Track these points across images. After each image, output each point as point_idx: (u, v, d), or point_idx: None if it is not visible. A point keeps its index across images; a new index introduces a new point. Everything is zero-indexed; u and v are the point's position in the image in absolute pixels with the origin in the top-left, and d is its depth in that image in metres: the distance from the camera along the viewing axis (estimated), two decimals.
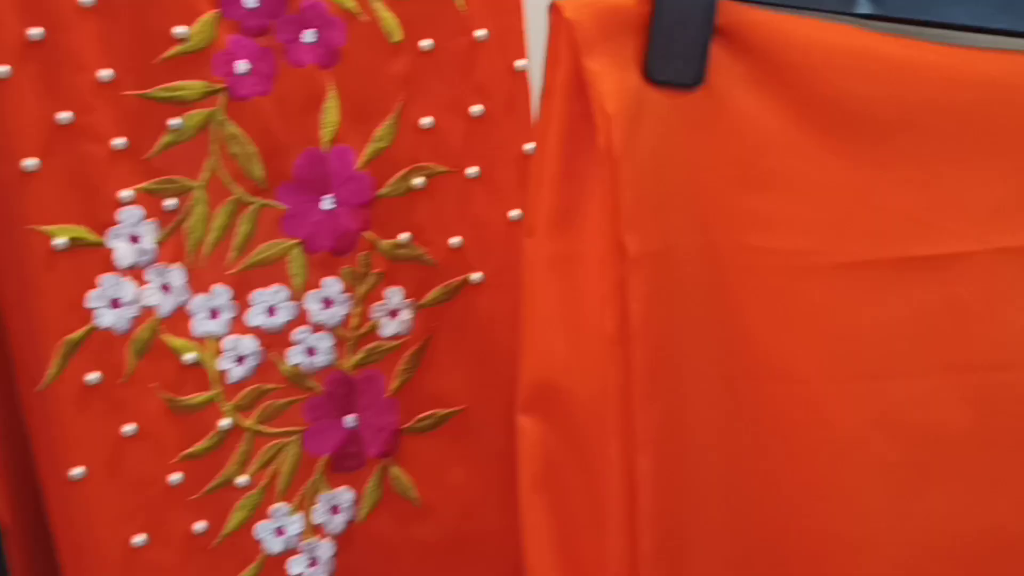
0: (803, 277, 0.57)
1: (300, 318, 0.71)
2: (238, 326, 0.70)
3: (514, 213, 0.73)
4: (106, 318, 0.67)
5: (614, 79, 0.52)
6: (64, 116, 0.64)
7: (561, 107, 0.54)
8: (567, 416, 0.60)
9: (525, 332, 0.58)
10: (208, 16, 0.66)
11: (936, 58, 0.55)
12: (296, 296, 0.71)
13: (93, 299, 0.67)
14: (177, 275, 0.68)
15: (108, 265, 0.67)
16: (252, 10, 0.67)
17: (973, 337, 0.57)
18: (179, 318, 0.69)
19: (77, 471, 0.67)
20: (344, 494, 0.73)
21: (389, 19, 0.69)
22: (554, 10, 0.53)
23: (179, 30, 0.65)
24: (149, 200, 0.67)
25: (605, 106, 0.52)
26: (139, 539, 0.69)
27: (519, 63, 0.72)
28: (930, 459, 0.58)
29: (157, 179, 0.67)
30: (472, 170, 0.73)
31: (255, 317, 0.70)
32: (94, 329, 0.67)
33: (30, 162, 0.64)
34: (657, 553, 0.58)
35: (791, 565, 0.59)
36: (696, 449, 0.58)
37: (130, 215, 0.67)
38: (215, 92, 0.67)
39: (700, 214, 0.55)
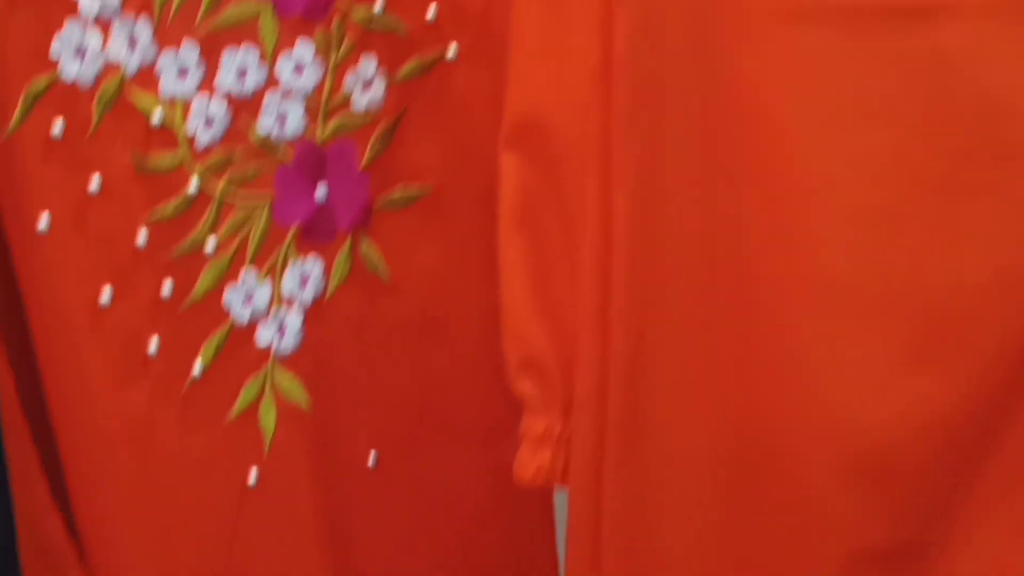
0: (790, 21, 0.56)
1: (270, 82, 0.69)
2: (207, 88, 0.68)
3: None
4: (71, 69, 0.65)
5: None
6: None
7: None
8: (548, 153, 0.60)
9: (511, 66, 0.58)
10: None
11: None
12: (266, 59, 0.69)
13: (57, 47, 0.65)
14: (143, 29, 0.66)
15: (73, 9, 0.65)
16: None
17: (954, 89, 0.56)
18: (147, 78, 0.67)
19: (43, 221, 0.66)
20: (314, 264, 0.72)
21: None
22: None
23: None
24: None
25: None
26: (106, 296, 0.68)
27: None
28: (900, 206, 0.57)
29: None
30: None
31: (225, 78, 0.68)
32: (57, 80, 0.65)
33: None
34: (629, 295, 0.58)
35: (758, 306, 0.59)
36: (672, 191, 0.58)
37: None
38: None
39: None
